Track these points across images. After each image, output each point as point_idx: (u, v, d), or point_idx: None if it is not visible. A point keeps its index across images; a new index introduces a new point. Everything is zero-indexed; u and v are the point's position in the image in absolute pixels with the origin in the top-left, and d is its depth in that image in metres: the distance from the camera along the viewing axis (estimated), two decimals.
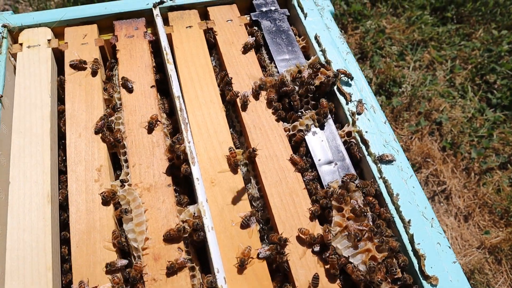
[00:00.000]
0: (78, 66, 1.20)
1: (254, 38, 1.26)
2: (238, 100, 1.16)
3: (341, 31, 1.34)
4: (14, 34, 1.28)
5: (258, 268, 0.92)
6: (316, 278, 0.90)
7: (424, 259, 0.96)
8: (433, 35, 3.16)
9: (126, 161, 1.06)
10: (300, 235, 0.96)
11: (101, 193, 0.98)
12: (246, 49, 1.24)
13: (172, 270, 0.89)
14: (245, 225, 0.97)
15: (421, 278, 0.93)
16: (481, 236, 2.39)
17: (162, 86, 1.27)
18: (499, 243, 2.32)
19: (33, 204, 0.97)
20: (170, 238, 0.94)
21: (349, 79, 1.20)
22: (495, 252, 2.32)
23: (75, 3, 2.89)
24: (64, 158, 1.11)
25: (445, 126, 2.72)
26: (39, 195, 0.98)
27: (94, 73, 1.17)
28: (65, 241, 1.01)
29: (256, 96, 1.17)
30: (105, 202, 0.99)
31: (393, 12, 3.25)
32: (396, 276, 0.92)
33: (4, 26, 1.25)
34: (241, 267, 0.90)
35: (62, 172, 1.12)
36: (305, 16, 1.35)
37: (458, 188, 2.54)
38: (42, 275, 0.89)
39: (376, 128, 1.14)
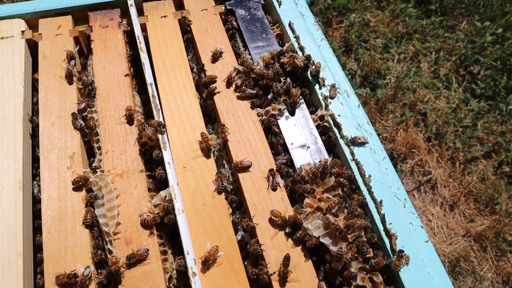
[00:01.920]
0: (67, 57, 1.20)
1: (221, 47, 1.25)
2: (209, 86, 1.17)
3: (315, 19, 1.34)
4: None
5: (230, 250, 0.93)
6: (287, 258, 0.90)
7: (396, 238, 0.97)
8: (417, 27, 3.17)
9: (99, 148, 1.06)
10: (272, 217, 0.97)
11: (74, 180, 0.98)
12: (215, 57, 1.23)
13: (132, 261, 0.89)
14: (222, 190, 0.99)
15: (392, 257, 0.94)
16: (466, 224, 2.40)
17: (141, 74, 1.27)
18: (484, 230, 2.34)
19: (4, 192, 0.97)
20: (144, 225, 0.94)
21: (315, 73, 1.20)
22: (480, 239, 2.34)
23: None
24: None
25: (430, 117, 2.74)
26: (11, 182, 0.98)
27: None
28: (39, 229, 1.01)
29: (228, 84, 1.17)
30: (77, 188, 0.99)
31: (377, 6, 3.27)
32: (367, 256, 0.93)
33: None
34: (204, 265, 0.89)
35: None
36: (280, 4, 1.36)
37: (444, 178, 2.55)
38: (13, 261, 0.89)
39: (349, 112, 1.15)
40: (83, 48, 1.31)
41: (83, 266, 0.90)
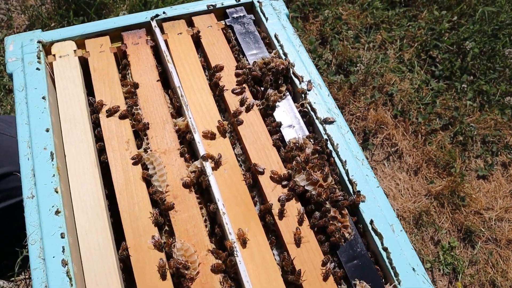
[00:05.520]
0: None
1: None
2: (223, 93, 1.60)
3: (294, 30, 1.78)
4: (46, 47, 1.68)
5: (244, 198, 1.38)
6: (282, 200, 1.36)
7: (356, 185, 1.42)
8: (383, 18, 3.61)
9: (145, 135, 1.49)
10: (272, 175, 1.42)
11: (132, 157, 1.42)
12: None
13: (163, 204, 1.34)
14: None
15: (354, 197, 1.40)
16: (427, 185, 2.89)
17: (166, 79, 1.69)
18: (442, 190, 2.83)
19: (85, 168, 1.40)
20: (185, 184, 1.39)
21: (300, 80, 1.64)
22: (439, 197, 2.83)
23: (67, 10, 3.24)
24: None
25: (396, 97, 3.20)
26: (88, 162, 1.41)
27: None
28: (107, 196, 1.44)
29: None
30: (135, 163, 1.42)
31: (348, 0, 3.70)
32: (337, 196, 1.38)
33: (39, 42, 1.65)
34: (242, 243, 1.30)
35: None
36: (267, 19, 1.79)
37: (408, 148, 3.03)
38: (100, 213, 1.32)
39: (322, 100, 1.59)
40: (120, 61, 1.72)
41: (146, 216, 1.33)
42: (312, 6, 3.61)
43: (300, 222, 1.36)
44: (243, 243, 1.30)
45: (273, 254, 1.33)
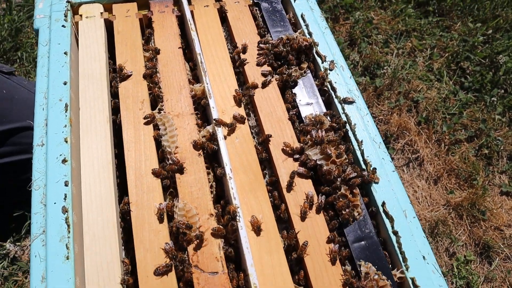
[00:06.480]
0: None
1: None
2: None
3: (321, 12, 1.75)
4: (74, 8, 1.69)
5: (253, 166, 1.34)
6: (293, 173, 1.32)
7: (371, 166, 1.37)
8: (415, 26, 3.55)
9: (160, 97, 1.48)
10: (284, 147, 1.38)
11: (145, 116, 1.40)
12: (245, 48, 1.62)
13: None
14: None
15: (368, 173, 1.34)
16: (447, 195, 2.79)
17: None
18: (462, 201, 2.73)
19: (97, 124, 1.39)
20: (195, 146, 1.36)
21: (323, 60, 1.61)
22: (457, 208, 2.73)
23: None
24: None
25: (421, 104, 3.12)
26: (101, 116, 1.40)
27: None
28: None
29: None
30: (147, 123, 1.40)
31: (380, 5, 3.65)
32: (349, 174, 1.33)
33: (68, 1, 1.66)
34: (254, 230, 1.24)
35: None
36: (294, 0, 1.77)
37: (430, 156, 2.94)
38: (106, 166, 1.30)
39: (343, 81, 1.55)
40: (144, 28, 1.72)
41: (152, 175, 1.31)
42: (344, 8, 3.58)
43: (310, 207, 1.30)
44: (257, 230, 1.25)
45: (278, 228, 1.29)
